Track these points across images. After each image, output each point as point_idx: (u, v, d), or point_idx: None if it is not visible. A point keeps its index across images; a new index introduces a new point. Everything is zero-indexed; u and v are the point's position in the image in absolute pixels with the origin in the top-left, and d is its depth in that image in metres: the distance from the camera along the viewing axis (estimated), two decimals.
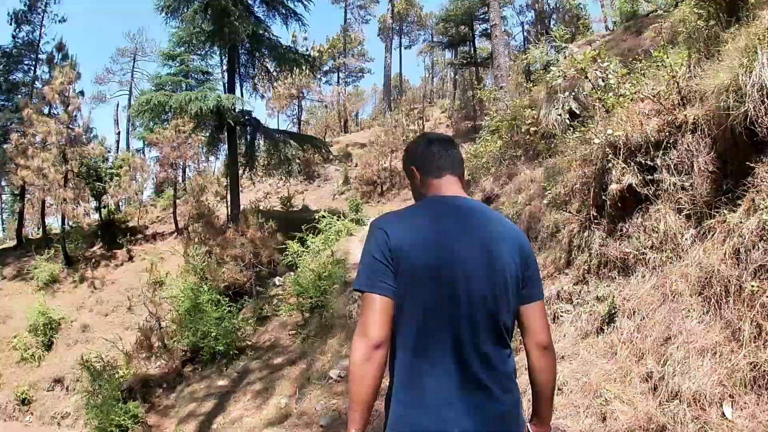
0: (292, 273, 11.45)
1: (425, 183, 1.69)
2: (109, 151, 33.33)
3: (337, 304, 7.74)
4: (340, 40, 38.24)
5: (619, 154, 4.32)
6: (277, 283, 12.66)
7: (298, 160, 23.91)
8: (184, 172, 27.64)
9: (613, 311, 3.90)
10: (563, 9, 21.43)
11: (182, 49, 14.97)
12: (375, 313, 1.42)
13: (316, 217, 13.44)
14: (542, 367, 1.58)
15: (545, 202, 6.19)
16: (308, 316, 9.38)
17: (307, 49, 30.05)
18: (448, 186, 1.67)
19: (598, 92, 5.38)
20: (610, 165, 4.41)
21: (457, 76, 34.85)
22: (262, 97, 29.09)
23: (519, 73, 15.79)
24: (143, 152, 30.43)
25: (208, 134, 15.83)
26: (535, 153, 8.83)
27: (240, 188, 15.39)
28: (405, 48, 42.70)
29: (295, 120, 29.89)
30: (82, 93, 22.29)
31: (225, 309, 9.93)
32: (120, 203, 26.86)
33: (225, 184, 18.40)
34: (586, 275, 4.48)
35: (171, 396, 9.36)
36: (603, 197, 4.48)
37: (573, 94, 8.09)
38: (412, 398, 1.45)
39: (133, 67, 35.99)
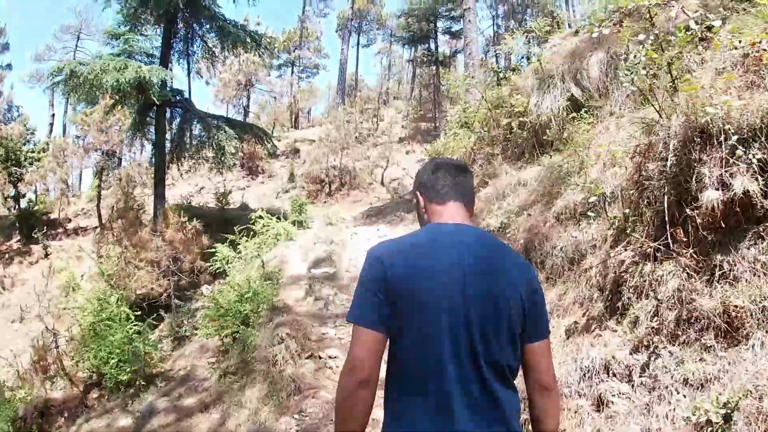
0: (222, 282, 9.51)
1: (429, 209, 1.63)
2: (32, 133, 29.78)
3: (260, 339, 5.78)
4: (297, 33, 36.11)
5: (720, 144, 2.62)
6: (205, 293, 10.47)
7: (241, 154, 21.74)
8: (120, 161, 24.71)
9: (729, 414, 2.18)
10: (538, 4, 20.26)
11: (127, 28, 12.47)
12: (363, 347, 1.36)
13: (252, 217, 11.41)
14: (546, 410, 1.47)
15: (553, 213, 4.49)
16: (230, 342, 7.43)
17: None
18: (452, 213, 1.58)
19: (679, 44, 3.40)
20: (698, 160, 2.69)
21: (416, 75, 33.41)
22: (207, 83, 26.62)
23: (489, 67, 14.26)
24: (83, 138, 27.07)
25: (134, 115, 13.33)
26: (521, 150, 7.15)
27: (171, 181, 13.06)
28: (363, 47, 41.16)
29: (242, 111, 27.36)
30: (9, 66, 19.08)
31: (131, 328, 7.73)
32: (48, 192, 23.70)
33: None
34: (655, 337, 2.74)
35: (71, 429, 7.27)
36: (684, 212, 2.77)
37: (574, 77, 6.51)
38: None
39: (77, 45, 32.27)
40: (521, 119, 6.61)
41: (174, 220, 9.88)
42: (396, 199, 18.49)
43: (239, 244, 10.45)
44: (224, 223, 12.53)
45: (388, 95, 41.18)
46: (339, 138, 19.90)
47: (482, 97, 8.20)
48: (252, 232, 10.93)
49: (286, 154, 24.85)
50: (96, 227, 19.34)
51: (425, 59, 26.34)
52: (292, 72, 36.63)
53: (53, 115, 32.44)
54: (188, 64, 14.39)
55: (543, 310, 1.51)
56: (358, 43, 40.02)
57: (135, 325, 7.87)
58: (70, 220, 21.57)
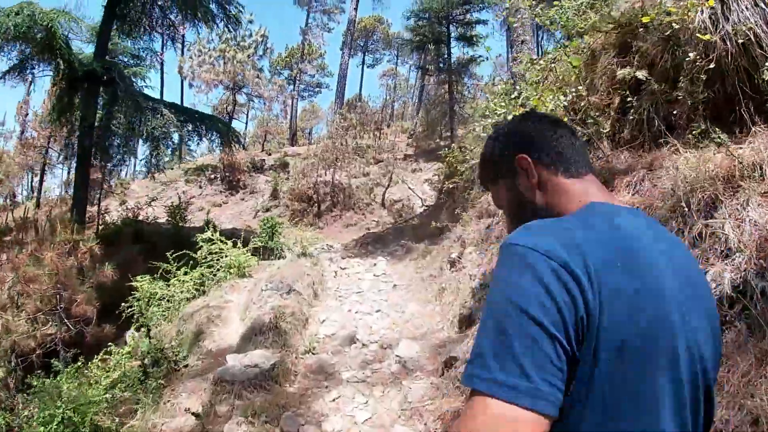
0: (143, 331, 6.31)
1: (551, 184, 0.94)
2: None
3: None
4: (299, 49, 33.44)
5: None
6: (128, 341, 6.97)
7: (220, 165, 18.33)
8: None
9: None
10: None
11: None
12: None
13: (198, 239, 7.99)
14: None
15: None
16: None
17: (251, 33, 24.60)
18: (599, 193, 0.92)
19: None
20: None
21: (425, 86, 30.44)
22: (191, 85, 23.41)
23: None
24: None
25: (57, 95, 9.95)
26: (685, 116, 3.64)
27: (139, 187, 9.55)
28: (368, 66, 38.58)
29: (226, 118, 24.03)
30: None
31: None
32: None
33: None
34: None
35: None
36: None
37: None
38: None
39: None
40: (680, 49, 3.15)
41: (66, 236, 6.40)
42: (400, 224, 15.02)
43: (173, 276, 7.22)
44: (173, 245, 9.18)
45: (393, 115, 38.25)
46: (332, 148, 16.51)
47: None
48: (196, 262, 7.61)
49: (274, 167, 21.53)
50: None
51: (436, 66, 23.11)
52: (294, 85, 33.77)
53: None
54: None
55: None
56: (363, 62, 37.62)
57: None
58: None
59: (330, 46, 70.78)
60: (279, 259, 9.06)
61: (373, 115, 27.70)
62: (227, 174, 20.57)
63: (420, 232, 11.86)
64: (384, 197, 18.06)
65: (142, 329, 6.00)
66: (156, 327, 6.16)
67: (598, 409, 0.72)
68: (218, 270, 7.50)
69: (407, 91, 40.46)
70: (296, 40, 36.08)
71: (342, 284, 7.34)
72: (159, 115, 8.84)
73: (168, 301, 6.94)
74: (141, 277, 7.26)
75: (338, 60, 28.32)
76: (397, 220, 15.50)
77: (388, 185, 18.33)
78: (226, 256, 7.66)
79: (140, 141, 10.49)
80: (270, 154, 24.36)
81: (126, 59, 12.25)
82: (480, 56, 21.70)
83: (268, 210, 17.28)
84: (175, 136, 10.26)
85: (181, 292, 7.07)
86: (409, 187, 20.09)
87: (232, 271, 7.42)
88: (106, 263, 6.95)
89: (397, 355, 4.59)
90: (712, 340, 0.84)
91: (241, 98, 25.98)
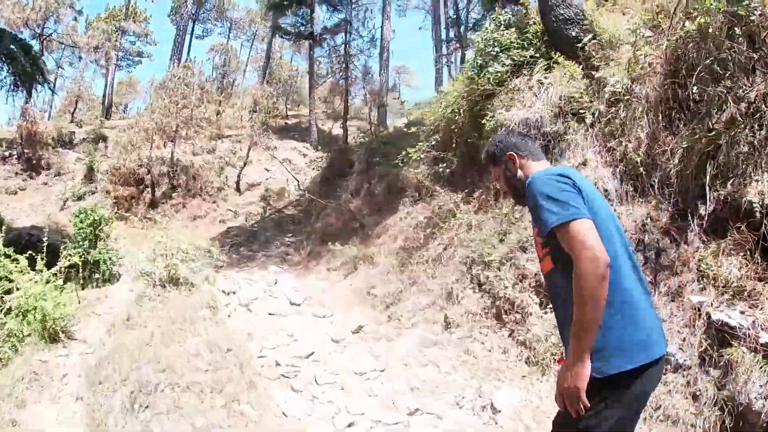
0: None
1: (526, 166, 1.88)
2: None
3: None
4: (122, 11, 27.59)
5: None
6: None
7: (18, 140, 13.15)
8: None
9: None
10: None
11: None
12: (594, 234, 1.51)
13: None
14: None
15: None
16: None
17: None
18: (548, 166, 1.89)
19: None
20: None
21: (275, 55, 26.84)
22: None
23: None
24: None
25: None
26: None
27: None
28: (197, 38, 33.12)
29: None
30: None
31: None
32: None
33: None
34: None
35: None
36: None
37: None
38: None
39: None
40: None
41: None
42: (272, 214, 11.75)
43: None
44: None
45: (233, 90, 33.60)
46: (171, 112, 12.38)
47: None
48: None
49: (88, 142, 16.30)
50: None
51: (296, 32, 19.64)
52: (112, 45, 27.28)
53: None
54: None
55: None
56: (192, 31, 32.12)
57: None
58: None
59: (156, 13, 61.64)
60: (108, 282, 5.51)
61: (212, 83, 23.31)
62: (26, 150, 14.91)
63: (312, 226, 8.92)
64: (239, 181, 14.49)
65: None
66: None
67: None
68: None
69: (237, 67, 36.16)
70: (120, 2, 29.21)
71: (258, 336, 4.16)
72: None
73: None
74: None
75: (165, 26, 23.51)
76: (265, 210, 12.20)
77: (245, 164, 14.80)
78: (18, 289, 3.96)
79: None
80: (81, 126, 18.75)
81: None
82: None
83: (80, 198, 12.62)
84: None
85: None
86: (266, 170, 16.77)
87: (30, 329, 3.77)
88: None
89: None
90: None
91: (50, 63, 19.71)
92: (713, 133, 3.28)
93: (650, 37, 4.14)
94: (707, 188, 3.22)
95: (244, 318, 4.56)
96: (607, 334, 1.48)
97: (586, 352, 1.44)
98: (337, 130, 19.96)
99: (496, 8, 6.54)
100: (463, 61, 10.41)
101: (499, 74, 5.04)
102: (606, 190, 3.85)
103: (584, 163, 4.08)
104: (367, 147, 9.65)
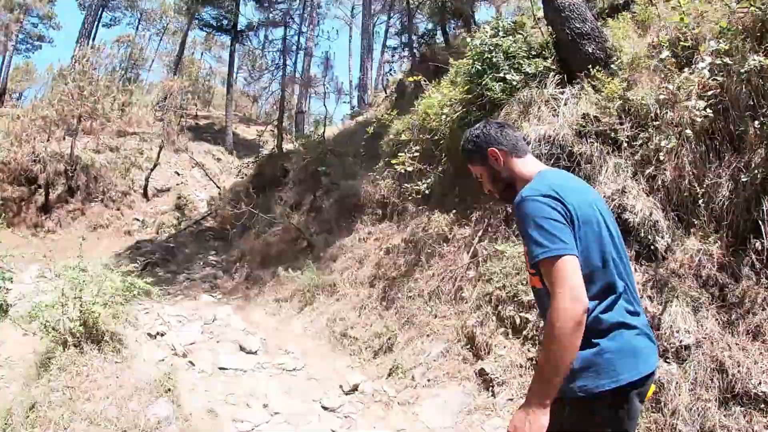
0: None
1: (510, 163, 1.71)
2: None
3: None
4: None
5: None
6: None
7: None
8: None
9: None
10: None
11: None
12: (578, 275, 1.38)
13: None
14: None
15: None
16: None
17: None
18: (537, 163, 1.73)
19: None
20: None
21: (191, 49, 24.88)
22: None
23: None
24: None
25: None
26: None
27: None
28: (104, 26, 30.08)
29: None
30: None
31: None
32: None
33: None
34: None
35: None
36: None
37: None
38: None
39: None
40: None
41: None
42: (190, 226, 10.22)
43: None
44: None
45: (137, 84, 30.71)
46: (75, 98, 10.47)
47: None
48: None
49: None
50: None
51: (217, 24, 18.05)
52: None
53: None
54: None
55: None
56: (99, 18, 28.99)
57: None
58: None
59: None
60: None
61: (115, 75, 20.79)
62: None
63: (247, 244, 7.68)
64: (147, 185, 12.72)
65: None
66: None
67: (580, 248, 1.43)
68: None
69: (143, 62, 33.41)
70: None
71: (224, 413, 2.95)
72: None
73: None
74: None
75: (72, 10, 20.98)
76: (180, 222, 10.65)
77: (155, 166, 13.04)
78: None
79: None
80: None
81: None
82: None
83: None
84: None
85: None
86: (177, 173, 15.00)
87: None
88: None
89: None
90: (608, 213, 1.61)
91: None
92: None
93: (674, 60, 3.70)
94: (762, 223, 3.03)
95: (191, 381, 3.33)
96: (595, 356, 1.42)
97: (548, 398, 1.32)
98: (252, 135, 18.78)
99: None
100: (412, 69, 9.73)
101: (513, 83, 4.39)
102: (657, 222, 3.29)
103: (622, 191, 3.49)
104: (311, 154, 8.59)
